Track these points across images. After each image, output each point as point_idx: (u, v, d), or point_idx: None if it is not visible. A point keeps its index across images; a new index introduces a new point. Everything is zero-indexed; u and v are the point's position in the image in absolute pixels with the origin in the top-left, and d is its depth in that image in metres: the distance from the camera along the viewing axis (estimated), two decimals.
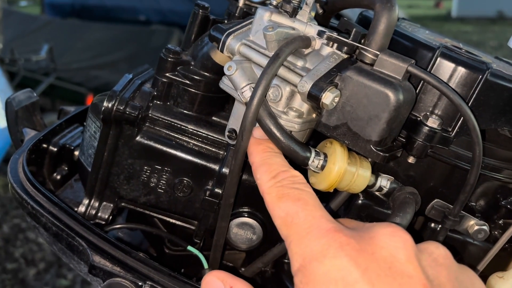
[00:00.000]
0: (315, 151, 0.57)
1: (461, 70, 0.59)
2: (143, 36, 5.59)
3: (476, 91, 0.58)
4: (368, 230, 0.44)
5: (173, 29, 5.32)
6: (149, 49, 5.24)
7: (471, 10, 13.42)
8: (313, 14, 0.63)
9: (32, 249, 3.18)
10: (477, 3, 13.28)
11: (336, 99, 0.54)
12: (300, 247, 0.42)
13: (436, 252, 0.44)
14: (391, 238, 0.42)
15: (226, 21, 0.73)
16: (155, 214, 0.71)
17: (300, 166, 0.58)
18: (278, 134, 0.56)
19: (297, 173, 0.51)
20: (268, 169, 0.51)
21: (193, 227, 0.71)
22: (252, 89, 0.55)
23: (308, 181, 0.60)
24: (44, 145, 0.79)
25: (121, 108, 0.63)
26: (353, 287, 0.38)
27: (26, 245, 3.24)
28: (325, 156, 0.58)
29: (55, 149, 0.80)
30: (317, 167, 0.57)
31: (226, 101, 0.71)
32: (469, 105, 0.59)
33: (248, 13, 0.72)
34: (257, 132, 0.56)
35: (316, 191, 0.61)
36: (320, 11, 0.62)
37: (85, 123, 0.72)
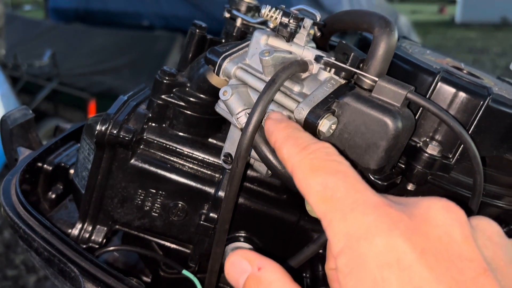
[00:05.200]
0: None
1: (462, 96, 0.57)
2: (146, 42, 5.59)
3: (477, 118, 0.57)
4: (418, 204, 0.38)
5: (176, 34, 5.32)
6: (152, 54, 5.24)
7: (475, 16, 13.40)
8: (311, 32, 0.62)
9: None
10: (481, 9, 13.26)
11: (333, 127, 0.53)
12: (345, 224, 0.36)
13: (490, 229, 0.39)
14: (445, 214, 0.37)
15: (223, 41, 0.72)
16: (149, 237, 0.69)
17: (298, 194, 0.56)
18: (274, 161, 0.55)
19: (329, 145, 0.45)
20: (296, 142, 0.45)
21: (188, 251, 0.70)
22: (248, 114, 0.54)
23: (305, 208, 0.58)
24: (39, 164, 0.78)
25: (115, 131, 0.62)
26: (409, 271, 0.33)
27: (27, 252, 3.23)
28: None
29: (50, 168, 0.79)
30: None
31: (222, 122, 0.69)
32: (470, 131, 0.57)
33: (245, 33, 0.71)
34: (275, 115, 0.52)
35: (311, 217, 0.59)
36: (318, 33, 0.61)
37: (79, 144, 0.71)
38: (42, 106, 4.88)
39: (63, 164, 0.80)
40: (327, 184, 0.39)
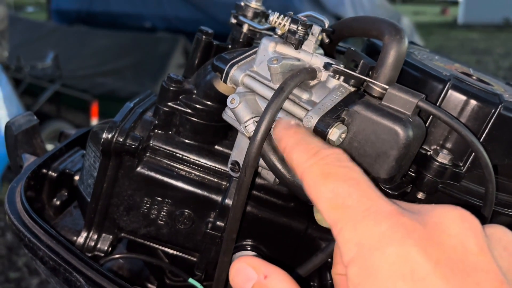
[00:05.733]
0: None
1: (473, 103, 0.56)
2: (149, 43, 5.59)
3: (489, 126, 0.56)
4: (431, 213, 0.37)
5: (178, 36, 5.32)
6: (154, 56, 5.24)
7: (478, 17, 13.38)
8: (320, 38, 0.61)
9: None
10: (483, 10, 13.24)
11: (343, 135, 0.52)
12: (356, 233, 0.35)
13: (505, 238, 0.38)
14: (460, 223, 0.36)
15: (230, 47, 0.72)
16: (155, 245, 0.69)
17: (307, 202, 0.56)
18: (283, 170, 0.54)
19: (341, 151, 0.44)
20: (306, 147, 0.43)
21: (194, 259, 0.69)
22: (256, 123, 0.53)
23: (313, 216, 0.58)
24: (44, 171, 0.77)
25: (121, 140, 0.61)
26: (424, 283, 0.32)
27: (32, 261, 3.23)
28: None
29: (55, 175, 0.78)
30: None
31: (229, 129, 0.69)
32: (482, 140, 0.57)
33: (252, 39, 0.70)
34: (284, 121, 0.51)
35: (322, 228, 0.59)
36: (327, 40, 0.60)
37: (85, 151, 0.70)
38: (45, 108, 4.88)
39: (68, 171, 0.79)
40: (338, 191, 0.38)
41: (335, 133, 0.51)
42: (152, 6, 6.62)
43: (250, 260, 0.41)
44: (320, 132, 0.52)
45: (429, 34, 11.44)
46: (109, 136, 0.61)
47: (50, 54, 4.80)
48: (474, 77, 0.68)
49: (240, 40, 0.70)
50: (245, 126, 0.55)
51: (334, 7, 6.19)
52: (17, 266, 3.14)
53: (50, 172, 0.78)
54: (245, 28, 0.69)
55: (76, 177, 0.79)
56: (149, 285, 0.78)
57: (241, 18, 0.69)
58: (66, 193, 0.80)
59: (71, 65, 5.33)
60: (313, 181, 0.40)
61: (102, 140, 0.60)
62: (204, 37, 0.70)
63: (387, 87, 0.53)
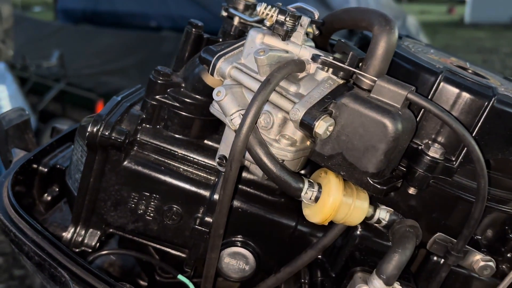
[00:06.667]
0: (309, 181, 0.54)
1: (466, 96, 0.55)
2: (154, 42, 5.58)
3: (482, 119, 0.55)
4: None
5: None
6: (160, 55, 5.23)
7: (484, 16, 13.28)
8: (310, 31, 0.60)
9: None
10: (490, 9, 13.14)
11: (330, 128, 0.51)
12: None
13: None
14: None
15: (220, 40, 0.71)
16: (145, 242, 0.68)
17: (295, 197, 0.54)
18: (269, 164, 0.53)
19: None
20: None
21: (183, 255, 0.68)
22: (242, 116, 0.52)
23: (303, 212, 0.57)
24: (34, 166, 0.77)
25: (107, 133, 0.60)
26: None
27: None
28: (319, 187, 0.54)
29: (45, 170, 0.77)
30: (310, 199, 0.54)
31: (219, 123, 0.68)
32: (474, 134, 0.55)
33: (243, 32, 0.69)
34: None
35: (312, 224, 0.57)
36: (317, 32, 0.59)
37: (73, 146, 0.69)
38: (50, 107, 4.89)
39: (58, 166, 0.78)
40: None
41: (321, 126, 0.50)
42: (158, 5, 6.62)
43: None
44: (306, 125, 0.50)
45: (436, 33, 11.37)
46: (94, 129, 0.60)
47: (55, 53, 4.81)
48: (469, 71, 0.66)
49: (231, 33, 0.69)
50: (231, 119, 0.54)
51: (340, 5, 6.16)
52: (21, 263, 3.15)
53: (40, 167, 0.77)
54: (236, 20, 0.68)
55: (67, 174, 0.79)
56: (140, 281, 0.77)
57: (232, 10, 0.68)
58: (57, 189, 0.79)
59: (76, 64, 5.34)
60: None
61: (88, 133, 0.59)
62: (194, 30, 0.69)
63: (376, 79, 0.52)
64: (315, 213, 0.55)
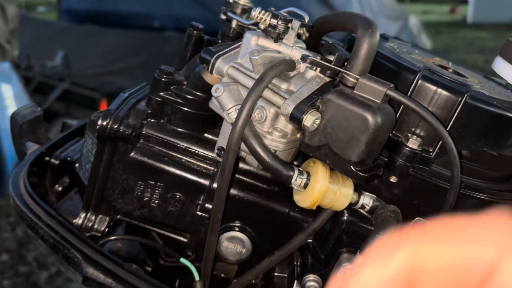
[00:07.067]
0: (299, 170, 0.60)
1: (441, 93, 0.60)
2: (157, 43, 5.64)
3: (456, 114, 0.60)
4: None
5: None
6: (163, 55, 5.28)
7: (487, 16, 13.31)
8: (302, 32, 0.65)
9: (44, 253, 3.23)
10: (492, 9, 13.17)
11: (317, 121, 0.57)
12: None
13: None
14: None
15: (220, 41, 0.76)
16: (150, 227, 0.73)
17: (287, 185, 0.60)
18: (262, 153, 0.58)
19: None
20: None
21: (185, 240, 0.74)
22: (238, 110, 0.58)
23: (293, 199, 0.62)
24: (47, 158, 0.82)
25: (115, 126, 0.66)
26: None
27: (39, 249, 3.28)
28: (308, 174, 0.60)
29: (57, 162, 0.83)
30: (300, 185, 0.59)
31: (218, 119, 0.73)
32: (449, 127, 0.61)
33: (241, 34, 0.75)
34: None
35: (301, 208, 0.63)
36: (307, 34, 0.65)
37: (83, 139, 0.75)
38: (54, 106, 4.94)
39: (69, 159, 0.84)
40: None
41: (309, 119, 0.56)
42: (161, 6, 6.66)
43: None
44: (295, 118, 0.56)
45: (438, 33, 11.40)
46: (104, 123, 0.66)
47: (59, 53, 4.87)
48: (450, 70, 0.72)
49: (230, 35, 0.74)
50: (228, 114, 0.60)
51: (342, 6, 6.21)
52: (26, 260, 3.20)
53: (52, 160, 0.83)
54: (234, 23, 0.74)
55: (77, 165, 0.84)
56: (145, 267, 0.83)
57: (230, 14, 0.74)
58: (68, 180, 0.85)
59: (80, 64, 5.39)
60: None
61: (98, 126, 0.65)
62: (195, 32, 0.75)
63: (358, 77, 0.57)
64: (304, 198, 0.60)
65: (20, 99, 3.79)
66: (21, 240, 3.44)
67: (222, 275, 0.80)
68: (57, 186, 0.84)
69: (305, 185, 0.60)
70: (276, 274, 0.75)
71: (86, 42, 5.93)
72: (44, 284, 3.01)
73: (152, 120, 0.70)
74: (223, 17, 0.75)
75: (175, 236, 0.74)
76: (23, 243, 3.42)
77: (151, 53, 5.45)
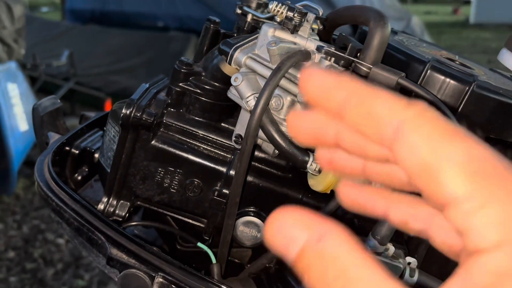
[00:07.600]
0: (313, 155, 0.63)
1: (450, 82, 0.63)
2: (161, 42, 5.67)
3: (463, 102, 0.63)
4: None
5: (190, 35, 5.40)
6: (167, 54, 5.32)
7: (490, 17, 13.33)
8: (315, 26, 0.69)
9: (50, 250, 3.26)
10: (495, 9, 13.19)
11: None
12: (505, 210, 0.25)
13: None
14: None
15: (235, 35, 0.79)
16: (168, 213, 0.77)
17: (302, 170, 0.63)
18: (279, 139, 0.62)
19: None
20: (390, 96, 0.27)
21: (202, 225, 0.77)
22: (256, 98, 0.61)
23: (308, 185, 0.65)
24: (67, 148, 0.86)
25: (138, 114, 0.69)
26: None
27: (45, 246, 3.31)
28: None
29: (77, 152, 0.86)
30: (315, 170, 0.62)
31: (235, 109, 0.76)
32: (457, 115, 0.64)
33: (255, 27, 0.78)
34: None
35: (316, 192, 0.66)
36: (321, 27, 0.68)
37: (105, 128, 0.78)
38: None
39: (88, 148, 0.87)
40: (473, 153, 0.25)
41: None
42: (165, 5, 6.70)
43: (296, 214, 0.26)
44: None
45: (441, 33, 11.42)
46: (128, 111, 0.69)
47: (65, 53, 4.90)
48: (457, 62, 0.75)
49: (245, 28, 0.78)
50: (247, 102, 0.63)
51: (344, 5, 6.23)
52: (33, 257, 3.23)
53: (72, 150, 0.86)
54: (249, 17, 0.77)
55: (96, 155, 0.87)
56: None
57: (246, 8, 0.77)
58: (87, 169, 0.88)
59: (85, 64, 5.43)
60: (430, 138, 0.26)
61: (122, 114, 0.68)
62: (212, 25, 0.78)
63: (371, 66, 0.60)
64: (318, 183, 0.63)
65: (26, 98, 3.82)
66: (28, 238, 3.47)
67: (236, 260, 0.83)
68: (76, 175, 0.87)
69: (320, 170, 0.63)
70: None
71: (90, 42, 5.97)
72: (50, 280, 3.03)
73: (172, 109, 0.73)
74: (239, 11, 0.78)
75: (192, 222, 0.77)
76: (29, 240, 3.45)
77: (155, 53, 5.49)
